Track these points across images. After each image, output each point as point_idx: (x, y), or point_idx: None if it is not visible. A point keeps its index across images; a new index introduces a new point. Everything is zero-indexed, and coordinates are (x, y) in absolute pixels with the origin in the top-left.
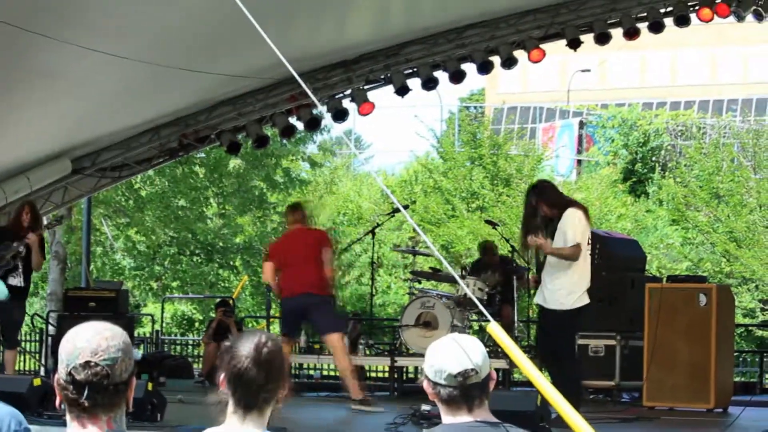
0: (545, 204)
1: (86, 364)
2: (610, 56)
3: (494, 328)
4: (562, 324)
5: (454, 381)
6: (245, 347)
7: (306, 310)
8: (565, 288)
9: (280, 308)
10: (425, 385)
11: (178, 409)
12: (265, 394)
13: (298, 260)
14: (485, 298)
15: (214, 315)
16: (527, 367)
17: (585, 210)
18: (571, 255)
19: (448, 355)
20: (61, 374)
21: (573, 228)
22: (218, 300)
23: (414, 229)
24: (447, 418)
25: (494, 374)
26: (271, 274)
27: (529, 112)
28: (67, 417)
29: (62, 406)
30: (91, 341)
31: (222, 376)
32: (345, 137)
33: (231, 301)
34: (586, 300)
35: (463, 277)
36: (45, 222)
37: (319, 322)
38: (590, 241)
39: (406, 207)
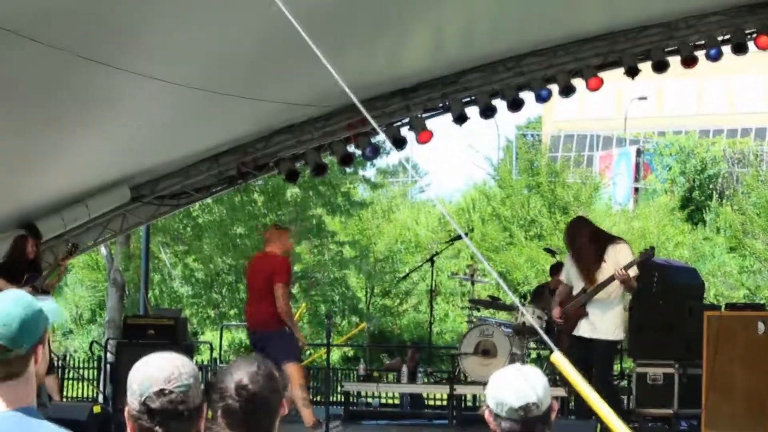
0: (596, 237)
1: (160, 392)
2: (666, 84)
3: (558, 358)
4: (610, 353)
5: (516, 414)
6: (229, 384)
7: (262, 347)
8: (618, 319)
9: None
10: (486, 414)
11: None
12: (266, 426)
13: (254, 292)
14: (544, 326)
15: None
16: (591, 396)
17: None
18: (635, 288)
19: (510, 388)
20: (133, 404)
21: (631, 261)
22: None
23: (472, 257)
24: None
25: (555, 405)
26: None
27: (586, 139)
28: None
29: None
30: (163, 369)
31: (214, 413)
32: (404, 163)
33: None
34: None
35: (522, 305)
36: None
37: (273, 355)
38: None
39: (466, 234)
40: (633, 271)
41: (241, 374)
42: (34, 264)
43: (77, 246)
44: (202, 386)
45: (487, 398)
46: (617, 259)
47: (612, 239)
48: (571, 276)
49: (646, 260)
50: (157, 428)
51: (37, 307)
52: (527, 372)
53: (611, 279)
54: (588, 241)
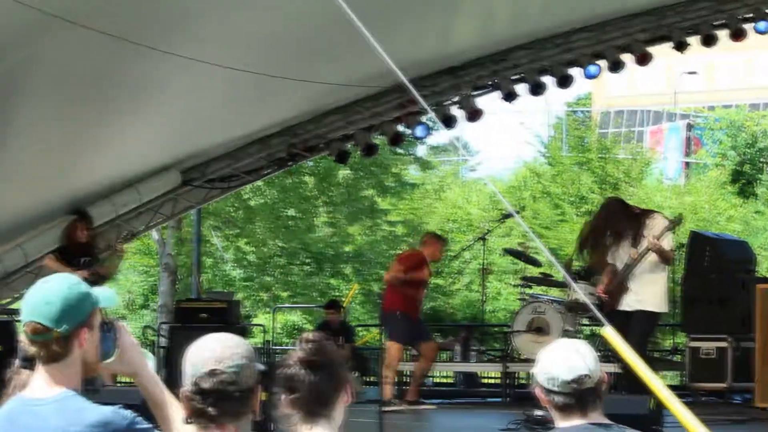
0: (632, 213)
1: (212, 373)
2: (716, 58)
3: (610, 333)
4: (652, 325)
5: (568, 388)
6: (293, 353)
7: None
8: (662, 289)
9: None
10: (537, 392)
11: None
12: (325, 397)
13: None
14: (597, 302)
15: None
16: (643, 371)
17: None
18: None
19: (560, 362)
20: (186, 386)
21: (662, 229)
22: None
23: (523, 235)
24: (561, 423)
25: (606, 377)
26: None
27: (636, 115)
28: (194, 429)
29: (189, 421)
30: (215, 350)
31: (278, 388)
32: (455, 142)
33: (341, 310)
34: None
35: (575, 281)
36: (119, 238)
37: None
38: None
39: (517, 212)
40: (667, 243)
41: (307, 335)
42: (88, 248)
43: (133, 232)
44: (261, 367)
45: (537, 375)
46: (654, 230)
47: (647, 212)
48: (614, 255)
49: (674, 227)
50: (209, 409)
51: (83, 290)
52: (575, 345)
53: (647, 250)
54: (626, 217)
